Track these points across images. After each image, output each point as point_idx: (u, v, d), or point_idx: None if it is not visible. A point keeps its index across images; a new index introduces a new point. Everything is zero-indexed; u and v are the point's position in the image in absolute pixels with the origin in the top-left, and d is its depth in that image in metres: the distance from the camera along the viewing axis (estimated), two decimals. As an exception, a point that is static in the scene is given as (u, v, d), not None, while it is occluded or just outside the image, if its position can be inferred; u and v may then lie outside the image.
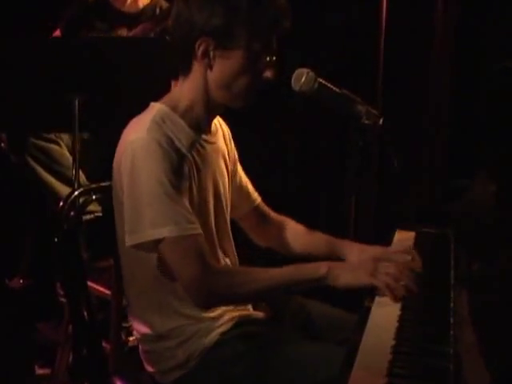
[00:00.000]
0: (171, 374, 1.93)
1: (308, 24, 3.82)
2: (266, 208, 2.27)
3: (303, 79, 1.99)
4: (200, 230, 1.82)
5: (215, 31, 1.82)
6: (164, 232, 1.76)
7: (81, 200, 2.06)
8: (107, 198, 2.07)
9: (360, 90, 2.09)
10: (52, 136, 2.93)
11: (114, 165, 1.89)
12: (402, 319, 1.67)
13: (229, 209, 2.09)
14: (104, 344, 2.16)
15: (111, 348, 2.42)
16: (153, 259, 1.87)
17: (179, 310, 1.90)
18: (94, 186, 2.18)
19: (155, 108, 1.90)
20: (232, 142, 2.17)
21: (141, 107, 1.93)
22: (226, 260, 2.04)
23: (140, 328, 1.98)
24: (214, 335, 1.90)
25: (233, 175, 2.15)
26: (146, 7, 3.16)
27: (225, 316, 1.94)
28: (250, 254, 2.19)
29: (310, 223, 2.32)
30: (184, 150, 1.86)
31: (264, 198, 2.30)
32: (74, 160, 2.47)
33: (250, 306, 2.05)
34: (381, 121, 2.01)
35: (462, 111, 3.80)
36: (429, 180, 3.93)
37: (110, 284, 2.59)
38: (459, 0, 3.79)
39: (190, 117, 1.91)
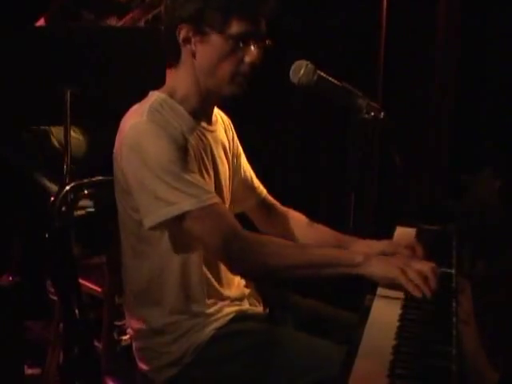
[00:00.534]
0: (165, 371, 1.94)
1: (308, 21, 3.83)
2: (272, 201, 2.31)
3: (302, 71, 1.99)
4: (219, 199, 1.86)
5: (191, 17, 1.87)
6: (185, 206, 1.79)
7: (72, 195, 2.05)
8: (99, 193, 2.07)
9: (360, 85, 2.09)
10: (41, 129, 2.92)
11: (115, 154, 1.91)
12: (403, 318, 1.67)
13: (229, 198, 2.11)
14: (96, 343, 2.16)
15: (103, 347, 2.42)
16: (158, 250, 1.90)
17: (177, 305, 1.92)
18: (85, 180, 2.17)
19: (154, 95, 1.94)
20: (235, 134, 2.20)
21: (134, 98, 1.94)
22: None
23: (135, 323, 1.99)
24: (210, 330, 1.92)
25: (236, 168, 2.18)
26: None
27: (221, 311, 1.96)
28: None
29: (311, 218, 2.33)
30: (183, 135, 1.89)
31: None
32: (65, 153, 2.47)
33: (246, 302, 2.07)
34: (382, 115, 2.00)
35: (465, 106, 3.80)
36: (430, 176, 3.93)
37: (102, 282, 2.60)
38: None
39: (188, 104, 1.95)
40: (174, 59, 1.95)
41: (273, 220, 2.29)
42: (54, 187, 2.79)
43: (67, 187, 2.04)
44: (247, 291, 2.11)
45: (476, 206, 2.27)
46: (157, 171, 1.79)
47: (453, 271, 1.98)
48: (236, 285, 2.07)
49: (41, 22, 3.01)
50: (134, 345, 2.04)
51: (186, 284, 1.92)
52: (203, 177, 1.93)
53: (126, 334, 2.75)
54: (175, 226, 1.84)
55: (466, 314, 1.64)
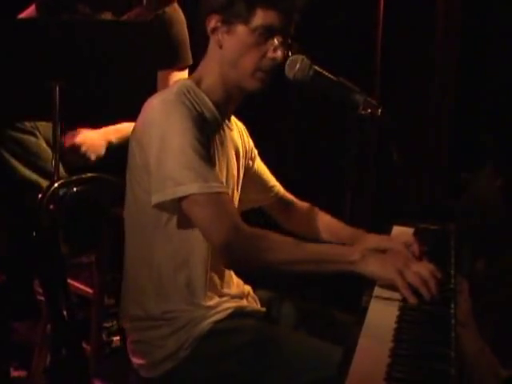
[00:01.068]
0: (160, 366, 1.95)
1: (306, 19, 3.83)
2: (289, 197, 2.39)
3: (298, 66, 1.99)
4: (228, 190, 1.92)
5: (221, 7, 1.97)
6: (192, 188, 1.84)
7: (61, 193, 2.05)
8: (89, 191, 2.07)
9: (357, 80, 2.09)
10: (28, 127, 2.91)
11: (134, 134, 1.98)
12: (400, 320, 1.67)
13: (237, 198, 2.15)
14: (84, 345, 2.16)
15: (92, 349, 2.42)
16: (161, 234, 1.95)
17: (177, 293, 1.96)
18: (74, 177, 2.18)
19: (181, 81, 2.04)
20: (250, 139, 2.28)
21: (127, 95, 1.95)
22: None
23: (133, 312, 2.01)
24: (208, 323, 1.94)
25: (249, 169, 2.26)
26: None
27: (221, 305, 1.99)
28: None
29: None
30: (208, 123, 1.97)
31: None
32: (54, 150, 2.46)
33: (245, 301, 2.10)
34: (379, 111, 2.00)
35: (465, 104, 3.81)
36: (434, 174, 3.94)
37: (90, 282, 2.60)
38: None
39: (212, 95, 2.02)
40: (206, 49, 2.04)
41: (292, 216, 2.38)
42: (43, 184, 2.78)
43: (55, 184, 2.04)
44: (246, 290, 2.15)
45: (476, 205, 2.27)
46: (175, 150, 1.85)
47: (452, 271, 1.98)
48: (235, 284, 2.11)
49: (31, 13, 2.99)
50: (128, 339, 2.05)
51: (189, 275, 1.96)
52: (218, 168, 1.98)
53: (115, 335, 2.77)
54: (181, 209, 1.89)
55: (465, 316, 1.65)
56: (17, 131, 2.87)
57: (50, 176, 2.59)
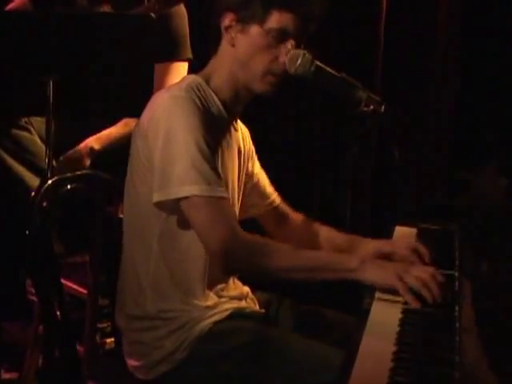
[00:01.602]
0: (157, 367, 1.96)
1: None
2: (286, 209, 2.35)
3: (299, 61, 1.99)
4: (228, 196, 1.93)
5: (236, 5, 1.99)
6: (194, 190, 1.84)
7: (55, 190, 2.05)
8: (83, 188, 2.06)
9: (358, 77, 2.09)
10: (22, 122, 2.90)
11: (139, 127, 1.97)
12: (403, 323, 1.67)
13: (236, 203, 2.14)
14: (77, 346, 2.16)
15: (85, 351, 2.41)
16: (157, 232, 1.95)
17: (174, 293, 1.96)
18: (69, 174, 2.17)
19: (190, 77, 2.05)
20: (251, 142, 2.27)
21: (124, 88, 1.95)
22: None
23: (129, 311, 2.02)
24: (206, 324, 1.94)
25: (250, 174, 2.25)
26: None
27: (219, 306, 1.99)
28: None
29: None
30: (216, 123, 1.98)
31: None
32: (47, 146, 2.45)
33: (243, 301, 2.11)
34: (382, 108, 2.00)
35: (466, 101, 3.81)
36: (431, 173, 3.94)
37: (84, 281, 2.59)
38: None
39: (221, 94, 2.03)
40: (216, 46, 2.05)
41: (283, 229, 2.34)
42: (36, 181, 2.78)
43: (49, 181, 2.03)
44: (245, 291, 2.15)
45: (478, 205, 2.27)
46: (181, 148, 1.86)
47: (455, 273, 1.98)
48: (234, 285, 2.11)
49: (22, 4, 2.98)
50: (124, 340, 2.05)
51: (187, 275, 1.97)
52: (223, 172, 1.98)
53: (109, 336, 2.76)
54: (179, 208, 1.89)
55: (468, 319, 1.64)
56: (10, 126, 2.87)
57: (43, 173, 2.59)
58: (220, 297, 2.02)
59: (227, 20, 2.00)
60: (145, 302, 1.98)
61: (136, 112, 2.05)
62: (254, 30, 1.97)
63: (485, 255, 1.90)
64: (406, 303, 1.77)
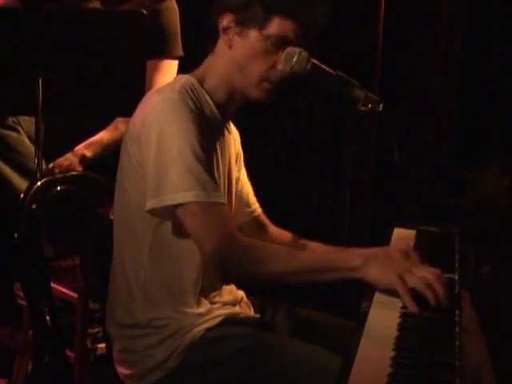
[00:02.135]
0: (148, 376, 1.95)
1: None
2: (265, 220, 2.35)
3: (295, 59, 1.98)
4: (225, 200, 1.90)
5: (237, 7, 1.97)
6: (189, 196, 1.83)
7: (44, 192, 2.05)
8: (74, 190, 2.06)
9: (357, 75, 2.09)
10: (10, 122, 2.90)
11: (130, 131, 1.96)
12: (402, 327, 1.67)
13: (233, 204, 2.15)
14: (68, 352, 2.15)
15: (76, 356, 2.41)
16: (149, 238, 1.94)
17: (166, 300, 1.95)
18: (59, 175, 2.17)
19: (184, 78, 2.02)
20: (240, 147, 2.27)
21: (114, 88, 1.94)
22: None
23: (119, 319, 2.01)
24: (198, 331, 1.94)
25: (236, 181, 2.22)
26: None
27: (211, 313, 1.98)
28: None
29: (301, 220, 2.33)
30: (210, 125, 1.96)
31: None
32: (37, 146, 2.45)
33: (237, 306, 2.10)
34: (381, 107, 2.00)
35: (472, 95, 3.81)
36: (434, 172, 3.94)
37: (75, 286, 2.59)
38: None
39: (216, 96, 2.03)
40: (212, 46, 2.04)
41: (261, 240, 2.30)
42: (24, 182, 2.78)
43: (38, 183, 2.03)
44: (239, 296, 2.14)
45: (480, 206, 2.27)
46: (175, 154, 1.84)
47: (455, 276, 1.98)
48: (228, 290, 2.10)
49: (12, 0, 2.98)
50: (115, 348, 2.05)
51: (179, 282, 1.96)
52: (217, 175, 1.97)
53: (100, 341, 2.76)
54: (175, 216, 1.88)
55: (469, 323, 1.64)
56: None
57: (32, 174, 2.59)
58: (213, 303, 2.02)
59: (226, 21, 1.99)
60: (136, 310, 1.98)
61: (127, 111, 2.05)
62: (253, 34, 1.97)
63: (486, 257, 1.90)
64: (404, 307, 1.76)
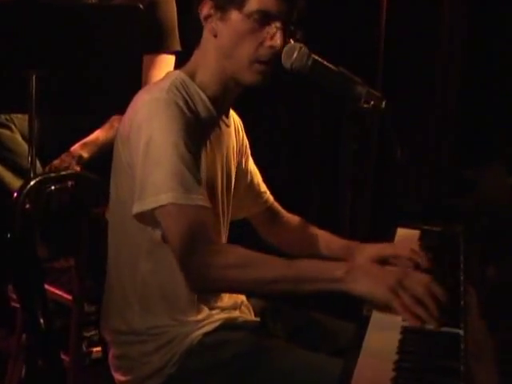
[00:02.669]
0: (145, 383, 1.94)
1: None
2: (278, 208, 2.35)
3: (295, 55, 1.97)
4: (209, 204, 1.85)
5: None
6: (171, 197, 1.78)
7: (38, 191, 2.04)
8: (68, 189, 2.05)
9: (358, 71, 2.09)
10: (2, 119, 2.89)
11: (121, 131, 1.94)
12: (405, 330, 1.66)
13: (231, 197, 2.12)
14: (62, 356, 2.15)
15: (70, 360, 2.41)
16: (145, 244, 1.91)
17: (161, 307, 1.93)
18: (53, 174, 2.17)
19: (174, 74, 1.99)
20: (244, 135, 2.24)
21: (108, 84, 1.94)
22: None
23: (115, 325, 2.00)
24: (196, 336, 1.92)
25: (243, 172, 2.22)
26: None
27: (209, 318, 1.97)
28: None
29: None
30: (201, 121, 1.94)
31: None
32: (30, 145, 2.45)
33: (238, 310, 2.08)
34: (383, 104, 2.00)
35: (473, 94, 3.82)
36: (434, 171, 3.94)
37: (70, 288, 2.59)
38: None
39: (208, 90, 1.99)
40: (198, 39, 2.01)
41: (276, 229, 2.34)
42: (16, 181, 2.78)
43: (32, 182, 2.02)
44: (240, 299, 2.11)
45: (484, 205, 2.27)
46: (160, 156, 1.81)
47: (461, 277, 1.98)
48: (228, 295, 2.06)
49: None
50: (111, 352, 2.03)
51: (176, 289, 1.92)
52: (210, 172, 1.96)
53: (96, 345, 2.75)
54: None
55: (474, 329, 1.64)
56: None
57: (25, 173, 2.58)
58: (213, 308, 1.99)
59: (206, 9, 1.95)
60: (132, 317, 1.95)
61: (123, 108, 2.04)
62: (234, 15, 1.91)
63: (491, 258, 1.90)
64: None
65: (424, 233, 2.38)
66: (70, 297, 2.57)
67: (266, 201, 2.32)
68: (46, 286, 2.21)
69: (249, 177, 2.27)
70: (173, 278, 1.91)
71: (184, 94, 1.91)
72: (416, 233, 2.38)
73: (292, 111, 4.14)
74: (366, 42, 3.83)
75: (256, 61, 1.93)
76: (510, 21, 3.69)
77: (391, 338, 1.62)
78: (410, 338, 1.62)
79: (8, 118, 2.88)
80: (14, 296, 2.87)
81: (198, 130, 1.90)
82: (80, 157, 2.78)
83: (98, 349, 2.71)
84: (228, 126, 2.09)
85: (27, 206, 1.99)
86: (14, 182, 2.81)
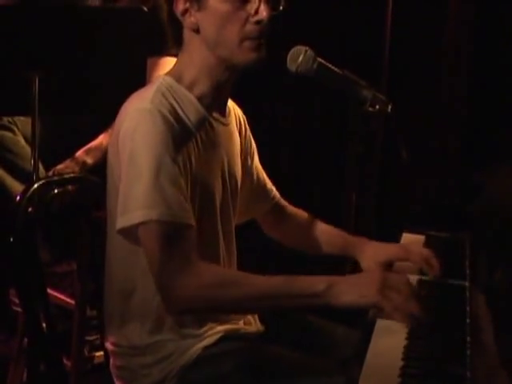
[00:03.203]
0: None
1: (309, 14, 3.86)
2: (283, 203, 2.34)
3: (301, 58, 1.99)
4: (193, 222, 1.81)
5: None
6: (152, 214, 1.75)
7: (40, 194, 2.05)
8: (71, 192, 2.06)
9: (363, 73, 2.10)
10: (4, 121, 2.91)
11: (111, 142, 1.92)
12: (411, 336, 1.67)
13: (237, 198, 2.10)
14: (64, 360, 2.16)
15: (73, 365, 2.42)
16: (143, 259, 1.86)
17: (162, 323, 1.92)
18: (56, 178, 2.17)
19: (160, 79, 1.94)
20: (248, 131, 2.21)
21: (112, 87, 1.94)
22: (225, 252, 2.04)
23: (115, 339, 1.99)
24: (196, 349, 1.91)
25: (249, 170, 2.20)
26: None
27: (210, 329, 1.95)
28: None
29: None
30: (189, 125, 1.90)
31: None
32: (33, 148, 2.46)
33: (241, 321, 2.06)
34: (389, 108, 2.01)
35: (481, 96, 3.82)
36: (441, 174, 3.95)
37: (72, 291, 2.59)
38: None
39: (197, 90, 1.94)
40: (179, 41, 1.97)
41: (281, 224, 2.33)
42: (18, 184, 2.79)
43: (35, 185, 2.03)
44: None
45: (493, 209, 2.28)
46: (142, 170, 1.77)
47: (466, 283, 1.99)
48: None
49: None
50: (111, 361, 2.03)
51: None
52: (206, 176, 1.93)
53: (98, 349, 2.76)
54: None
55: (481, 335, 1.65)
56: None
57: (27, 176, 2.59)
58: (215, 321, 1.97)
59: (180, 4, 1.90)
60: (132, 333, 1.94)
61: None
62: (212, 1, 1.86)
63: (499, 263, 1.90)
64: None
65: (429, 238, 2.38)
66: (72, 301, 2.57)
67: (273, 198, 2.31)
68: (48, 290, 2.21)
69: (255, 174, 2.24)
70: None
71: (171, 99, 1.88)
72: (421, 238, 2.38)
73: (293, 111, 4.15)
74: (372, 44, 3.84)
75: (246, 38, 1.88)
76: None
77: (396, 343, 1.63)
78: (415, 344, 1.63)
79: (11, 120, 2.89)
80: (16, 300, 2.88)
81: (186, 137, 1.87)
82: (84, 162, 2.79)
83: (100, 353, 2.71)
84: (225, 124, 2.04)
85: (30, 209, 2.00)
86: (16, 185, 2.82)
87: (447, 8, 3.88)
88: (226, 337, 1.96)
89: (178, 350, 1.91)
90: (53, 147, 2.82)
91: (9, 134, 2.89)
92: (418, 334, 1.68)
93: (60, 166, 2.78)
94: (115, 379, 2.01)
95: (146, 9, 2.47)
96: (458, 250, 2.27)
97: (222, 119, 2.02)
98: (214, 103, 1.98)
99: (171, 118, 1.84)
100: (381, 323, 1.74)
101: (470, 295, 1.90)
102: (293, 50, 1.98)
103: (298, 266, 2.31)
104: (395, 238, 2.40)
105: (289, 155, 4.18)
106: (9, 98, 2.54)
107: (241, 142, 2.15)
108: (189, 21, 1.91)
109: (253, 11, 1.87)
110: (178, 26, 1.95)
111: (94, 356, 2.79)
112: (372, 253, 2.18)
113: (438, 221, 2.72)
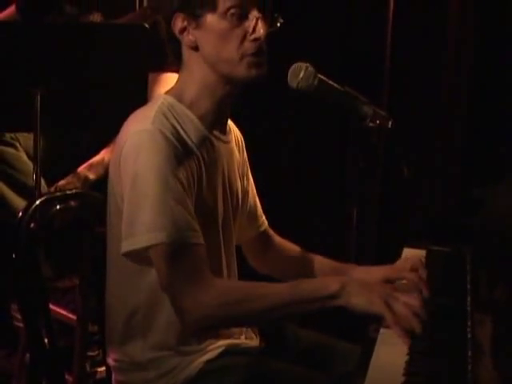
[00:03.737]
0: None
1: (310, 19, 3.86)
2: (271, 233, 2.32)
3: (301, 75, 1.99)
4: (202, 240, 1.82)
5: (182, 3, 1.91)
6: (161, 236, 1.76)
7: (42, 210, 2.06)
8: (73, 208, 2.07)
9: (364, 88, 2.11)
10: (7, 137, 2.92)
11: (112, 162, 1.92)
12: (412, 352, 1.67)
13: (238, 215, 2.11)
14: (66, 376, 2.16)
15: (74, 380, 2.42)
16: (147, 278, 1.88)
17: (164, 340, 1.92)
18: (58, 194, 2.18)
19: (160, 99, 1.95)
20: (245, 153, 2.21)
21: (114, 103, 1.95)
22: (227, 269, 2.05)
23: (117, 355, 2.00)
24: (197, 364, 1.92)
25: (243, 193, 2.18)
26: None
27: (211, 345, 1.96)
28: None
29: (303, 237, 2.34)
30: (191, 144, 1.90)
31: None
32: (35, 163, 2.47)
33: (242, 336, 2.07)
34: (390, 124, 2.02)
35: (483, 110, 3.82)
36: (442, 189, 3.95)
37: (74, 307, 2.60)
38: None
39: (197, 109, 1.95)
40: (179, 60, 1.98)
41: (267, 255, 2.31)
42: (20, 200, 2.80)
43: (37, 201, 2.04)
44: None
45: (494, 225, 2.28)
46: (147, 192, 1.78)
47: (467, 299, 1.99)
48: None
49: (9, 14, 3.00)
50: (113, 376, 2.04)
51: (176, 323, 1.88)
52: (209, 194, 1.93)
53: (100, 365, 2.76)
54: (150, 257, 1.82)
55: (481, 351, 1.65)
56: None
57: (29, 191, 2.61)
58: (217, 336, 1.98)
59: (178, 22, 1.91)
60: (133, 349, 1.95)
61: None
62: (210, 19, 1.88)
63: (500, 279, 1.91)
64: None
65: (430, 253, 2.39)
66: (74, 316, 2.58)
67: (261, 225, 2.28)
68: (50, 306, 2.22)
69: (249, 200, 2.23)
70: (173, 312, 1.86)
71: (172, 119, 1.88)
72: (422, 253, 2.39)
73: (295, 128, 4.15)
74: (372, 44, 3.84)
75: (246, 55, 1.89)
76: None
77: (397, 359, 1.63)
78: (417, 359, 1.62)
79: (13, 136, 2.91)
80: (18, 315, 2.89)
81: (188, 156, 1.87)
82: (86, 178, 2.80)
83: (102, 369, 2.70)
84: (226, 142, 2.04)
85: (32, 225, 2.01)
86: (18, 201, 2.83)
87: (448, 9, 3.88)
88: (228, 351, 1.96)
89: (180, 365, 1.92)
90: (55, 163, 2.83)
91: (11, 150, 2.90)
92: (419, 350, 1.67)
93: (62, 182, 2.79)
94: (118, 394, 2.02)
95: (147, 25, 2.48)
96: (459, 265, 2.27)
97: (222, 137, 2.03)
98: (214, 121, 1.99)
99: (173, 138, 1.85)
100: (382, 339, 1.74)
101: (471, 311, 1.91)
102: (294, 67, 1.99)
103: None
104: (396, 253, 2.40)
105: (289, 168, 4.18)
106: (11, 114, 2.55)
107: (239, 162, 2.15)
108: (187, 39, 1.92)
109: (250, 29, 1.89)
110: (177, 44, 1.96)
111: (96, 371, 2.79)
112: (363, 277, 2.14)
113: (439, 235, 2.72)
